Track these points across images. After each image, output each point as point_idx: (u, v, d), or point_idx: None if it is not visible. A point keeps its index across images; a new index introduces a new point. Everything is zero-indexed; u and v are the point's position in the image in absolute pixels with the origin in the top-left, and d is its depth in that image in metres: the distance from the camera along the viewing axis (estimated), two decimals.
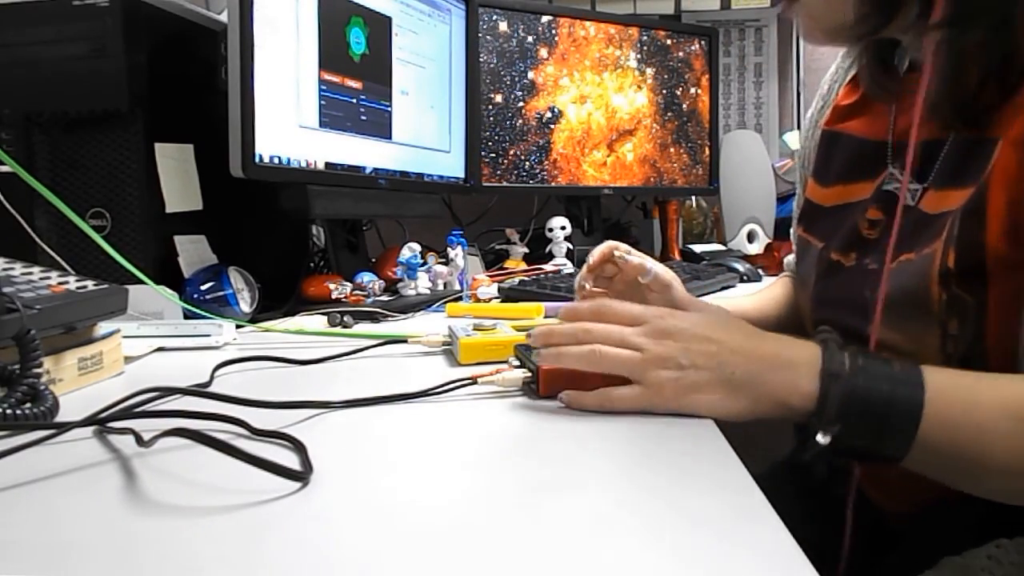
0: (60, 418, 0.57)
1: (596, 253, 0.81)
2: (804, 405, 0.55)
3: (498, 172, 1.55)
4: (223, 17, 1.06)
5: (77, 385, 0.67)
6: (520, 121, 1.58)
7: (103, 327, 0.72)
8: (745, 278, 1.49)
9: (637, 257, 0.80)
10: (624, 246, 0.81)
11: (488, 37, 1.52)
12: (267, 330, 0.94)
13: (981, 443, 0.54)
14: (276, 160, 1.01)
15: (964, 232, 0.61)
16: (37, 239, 0.93)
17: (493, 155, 1.55)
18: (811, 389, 0.55)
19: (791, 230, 1.02)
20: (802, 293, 0.84)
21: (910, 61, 0.75)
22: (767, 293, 0.99)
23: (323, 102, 1.09)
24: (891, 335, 0.65)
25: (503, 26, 1.54)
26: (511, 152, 1.57)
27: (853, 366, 0.55)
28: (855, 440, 0.54)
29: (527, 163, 1.59)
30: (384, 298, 1.12)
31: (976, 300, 0.60)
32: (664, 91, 1.75)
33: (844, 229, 0.77)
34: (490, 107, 1.54)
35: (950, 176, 0.66)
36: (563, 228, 1.52)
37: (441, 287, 1.22)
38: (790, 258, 1.03)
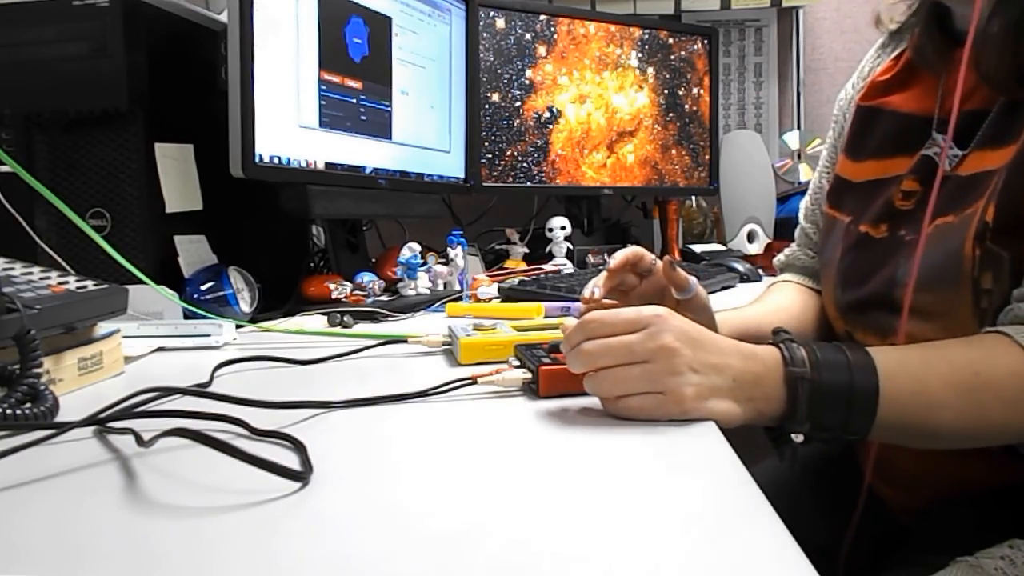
0: (60, 418, 0.57)
1: (619, 256, 0.74)
2: (777, 411, 0.57)
3: (495, 173, 1.55)
4: (223, 17, 1.06)
5: (77, 385, 0.67)
6: (518, 121, 1.57)
7: (103, 327, 0.72)
8: (745, 278, 1.49)
9: (682, 270, 0.74)
10: (668, 258, 0.75)
11: (485, 35, 1.51)
12: (267, 330, 0.94)
13: (930, 417, 0.59)
14: (276, 160, 1.01)
15: (1007, 188, 0.62)
16: (37, 239, 0.93)
17: (490, 156, 1.54)
18: (780, 395, 0.57)
19: (800, 214, 0.99)
20: (825, 272, 0.84)
21: (961, 36, 0.73)
22: (767, 305, 0.91)
23: (323, 102, 1.09)
24: (922, 297, 0.67)
25: (500, 23, 1.54)
26: (508, 153, 1.56)
27: (812, 361, 0.57)
28: (823, 431, 0.58)
29: (524, 164, 1.59)
30: (384, 298, 1.12)
31: (1011, 254, 0.62)
32: (666, 91, 1.75)
33: (877, 203, 0.76)
34: (487, 106, 1.53)
35: (990, 139, 0.67)
36: (563, 228, 1.52)
37: (441, 287, 1.22)
38: (783, 258, 1.02)
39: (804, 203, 0.98)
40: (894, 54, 0.84)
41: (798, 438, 0.57)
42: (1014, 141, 0.63)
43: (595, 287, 0.72)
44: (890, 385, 0.57)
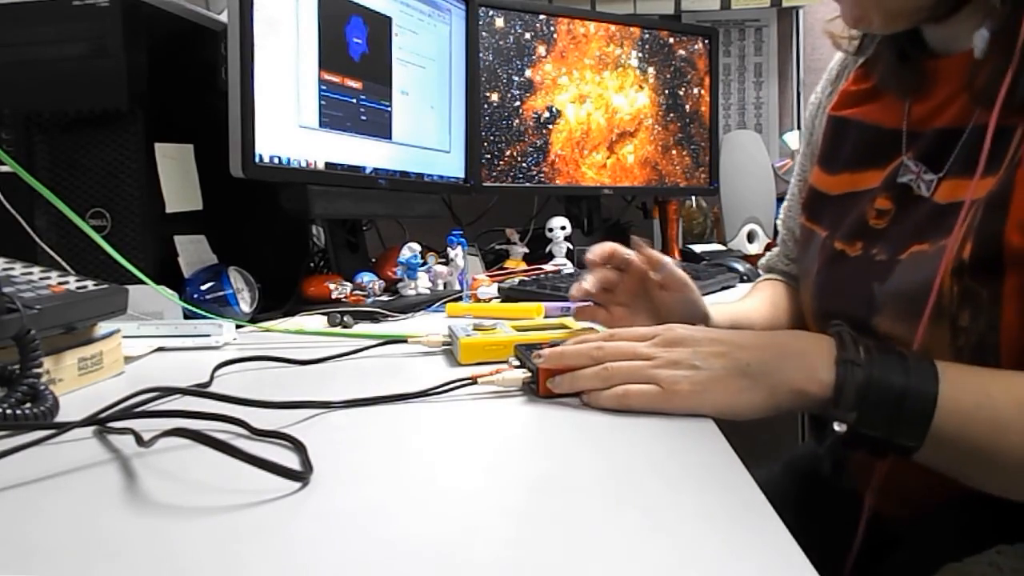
0: (60, 418, 0.57)
1: (595, 250, 0.78)
2: (821, 393, 0.55)
3: (495, 173, 1.55)
4: (223, 17, 1.06)
5: (77, 385, 0.67)
6: (517, 121, 1.57)
7: (103, 327, 0.72)
8: (745, 278, 1.49)
9: (653, 251, 0.78)
10: (635, 239, 0.79)
11: (484, 34, 1.51)
12: (267, 330, 0.94)
13: (995, 437, 0.54)
14: (276, 160, 1.01)
15: (984, 224, 0.60)
16: (37, 239, 0.93)
17: (488, 156, 1.54)
18: (828, 377, 0.55)
19: (778, 220, 1.01)
20: (803, 283, 0.83)
21: (931, 51, 0.73)
22: (756, 298, 0.95)
23: (323, 102, 1.09)
24: (899, 327, 0.65)
25: (500, 23, 1.54)
26: (507, 153, 1.56)
27: (868, 357, 0.55)
28: (870, 429, 0.55)
29: (524, 164, 1.58)
30: (384, 298, 1.12)
31: (989, 292, 0.60)
32: (667, 91, 1.75)
33: (851, 218, 0.75)
34: (486, 106, 1.53)
35: (964, 165, 0.65)
36: (563, 228, 1.52)
37: (441, 287, 1.22)
38: (765, 261, 1.03)
39: (783, 209, 0.99)
40: (862, 60, 0.83)
41: (841, 427, 0.55)
42: (993, 174, 0.61)
43: (582, 281, 0.78)
44: (952, 393, 0.54)
